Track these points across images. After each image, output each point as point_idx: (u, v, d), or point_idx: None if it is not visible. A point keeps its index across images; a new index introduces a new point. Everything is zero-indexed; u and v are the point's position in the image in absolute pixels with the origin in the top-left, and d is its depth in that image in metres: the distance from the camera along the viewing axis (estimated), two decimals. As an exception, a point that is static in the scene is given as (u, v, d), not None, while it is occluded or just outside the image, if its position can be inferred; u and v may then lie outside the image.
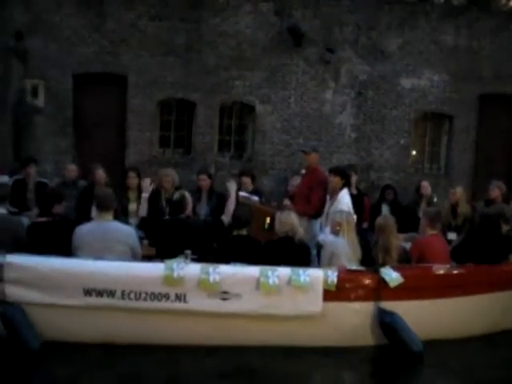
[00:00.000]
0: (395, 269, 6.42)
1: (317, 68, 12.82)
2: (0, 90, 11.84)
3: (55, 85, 12.01)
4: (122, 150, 12.40)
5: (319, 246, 7.18)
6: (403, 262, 6.83)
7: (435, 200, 9.87)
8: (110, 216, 6.26)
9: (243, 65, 12.48)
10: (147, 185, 7.73)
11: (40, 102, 12.06)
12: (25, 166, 8.97)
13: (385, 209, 10.15)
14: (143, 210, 7.40)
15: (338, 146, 12.94)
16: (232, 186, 7.59)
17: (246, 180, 8.97)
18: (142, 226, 6.76)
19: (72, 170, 8.99)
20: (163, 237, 6.63)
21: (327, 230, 7.44)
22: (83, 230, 6.17)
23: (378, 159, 13.12)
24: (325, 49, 12.56)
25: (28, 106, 11.96)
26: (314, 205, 8.01)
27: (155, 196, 7.93)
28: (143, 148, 12.41)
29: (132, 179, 8.25)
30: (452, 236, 8.25)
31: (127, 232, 6.32)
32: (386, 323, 6.25)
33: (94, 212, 6.45)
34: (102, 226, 6.17)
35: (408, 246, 7.17)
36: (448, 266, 6.85)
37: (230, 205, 7.32)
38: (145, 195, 7.56)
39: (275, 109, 12.75)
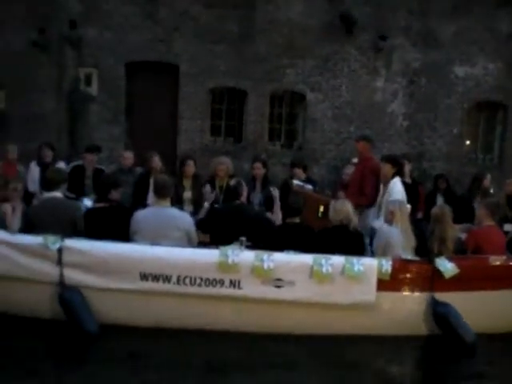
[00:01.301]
0: (450, 259, 6.34)
1: (368, 55, 12.68)
2: (55, 78, 12.07)
3: (108, 73, 12.18)
4: (174, 138, 12.51)
5: (373, 233, 7.16)
6: (458, 252, 6.74)
7: (491, 191, 9.67)
8: (167, 203, 6.36)
9: (295, 53, 12.41)
10: (209, 192, 7.75)
11: (93, 89, 12.26)
12: (90, 153, 9.06)
13: (439, 198, 9.99)
14: (202, 214, 7.39)
15: (390, 134, 12.78)
16: (275, 193, 7.58)
17: (298, 171, 8.92)
18: (201, 226, 6.79)
19: (128, 157, 9.06)
20: (218, 222, 6.67)
21: (381, 218, 7.42)
22: (141, 216, 6.28)
23: (430, 148, 12.90)
24: (378, 37, 12.38)
25: (82, 94, 12.16)
26: (367, 194, 7.96)
27: (209, 183, 7.98)
28: (194, 136, 12.49)
29: (190, 167, 8.24)
30: (508, 227, 8.08)
31: (184, 218, 6.40)
32: (440, 314, 6.21)
33: (150, 198, 6.52)
34: (160, 212, 6.27)
35: (463, 236, 7.08)
36: (504, 257, 6.72)
37: (276, 212, 7.34)
38: (207, 204, 7.58)
39: (326, 97, 12.67)
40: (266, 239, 6.41)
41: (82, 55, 12.06)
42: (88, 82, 12.18)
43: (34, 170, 8.83)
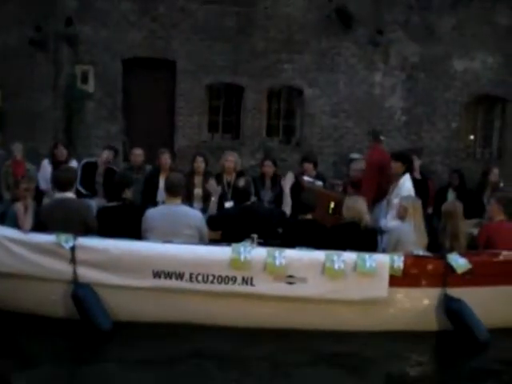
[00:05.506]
0: (462, 255, 6.31)
1: (366, 50, 12.67)
2: (52, 75, 12.00)
3: (105, 70, 12.14)
4: (171, 135, 12.46)
5: (381, 232, 7.12)
6: (470, 248, 6.73)
7: (502, 185, 9.65)
8: (178, 200, 6.32)
9: (292, 48, 12.41)
10: (215, 187, 7.63)
11: (90, 87, 12.20)
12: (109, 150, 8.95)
13: (451, 194, 9.83)
14: (212, 210, 7.31)
15: (388, 129, 12.69)
16: (288, 180, 7.50)
17: (308, 166, 8.87)
18: (210, 223, 6.72)
19: (138, 154, 8.88)
20: (231, 224, 6.60)
21: (389, 215, 7.38)
22: (153, 214, 6.24)
23: (428, 143, 12.90)
24: (375, 31, 12.35)
25: (78, 92, 12.08)
26: (372, 189, 7.90)
27: (217, 179, 7.92)
28: (192, 133, 12.47)
29: (200, 164, 8.19)
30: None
31: (195, 216, 6.36)
32: (453, 310, 6.17)
33: (160, 196, 6.46)
34: (172, 210, 6.22)
35: (475, 231, 7.06)
36: (516, 252, 6.70)
37: (286, 197, 7.27)
38: (214, 199, 7.50)
39: (324, 92, 12.65)
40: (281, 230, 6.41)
41: (79, 52, 12.03)
42: (84, 79, 12.13)
43: (47, 169, 8.68)
